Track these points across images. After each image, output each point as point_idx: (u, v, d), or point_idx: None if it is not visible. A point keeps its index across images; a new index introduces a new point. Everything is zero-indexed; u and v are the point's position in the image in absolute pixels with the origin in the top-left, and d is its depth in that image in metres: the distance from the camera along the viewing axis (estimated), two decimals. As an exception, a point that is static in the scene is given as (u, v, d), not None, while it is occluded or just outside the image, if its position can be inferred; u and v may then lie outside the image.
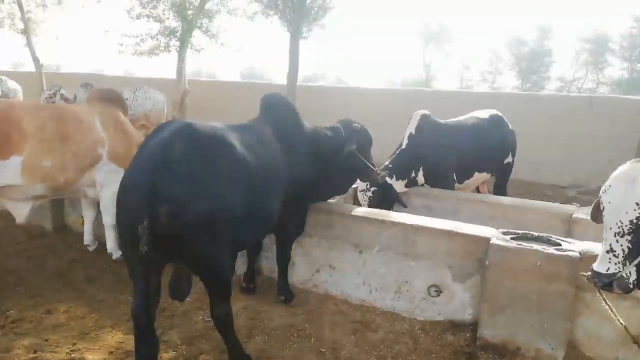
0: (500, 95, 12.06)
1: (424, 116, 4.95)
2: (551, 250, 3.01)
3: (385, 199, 4.60)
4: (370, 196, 4.62)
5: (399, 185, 4.94)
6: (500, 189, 5.49)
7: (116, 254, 4.54)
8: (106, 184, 4.37)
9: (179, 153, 2.47)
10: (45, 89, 13.15)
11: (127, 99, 7.81)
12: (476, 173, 5.22)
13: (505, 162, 5.40)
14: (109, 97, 4.57)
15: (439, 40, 50.06)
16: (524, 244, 3.11)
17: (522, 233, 3.36)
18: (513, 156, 5.45)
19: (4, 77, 11.07)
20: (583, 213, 4.06)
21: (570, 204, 5.40)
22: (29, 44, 13.32)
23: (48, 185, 4.02)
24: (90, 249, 4.74)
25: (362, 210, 3.74)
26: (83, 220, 4.88)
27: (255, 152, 2.96)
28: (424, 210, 4.63)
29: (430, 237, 3.43)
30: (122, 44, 10.97)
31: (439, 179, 4.95)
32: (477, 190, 5.60)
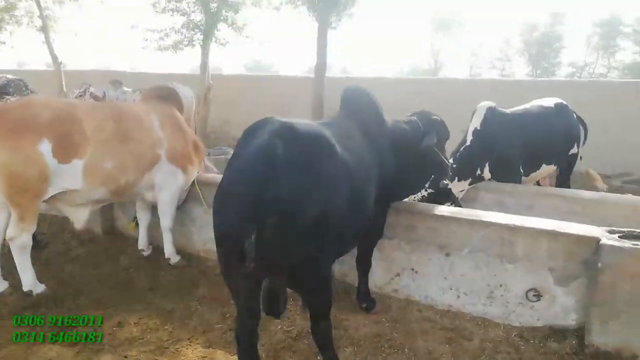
0: (536, 83, 11.69)
1: (490, 109, 4.69)
2: (673, 250, 2.77)
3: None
4: (424, 195, 4.34)
5: (460, 186, 4.68)
6: (563, 181, 5.24)
7: (174, 258, 4.35)
8: (164, 185, 4.17)
9: (283, 157, 2.21)
10: (64, 88, 12.97)
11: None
12: (544, 165, 4.97)
13: (570, 153, 5.15)
14: (165, 94, 4.37)
15: (449, 27, 49.23)
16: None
17: (627, 231, 3.12)
18: (578, 147, 5.20)
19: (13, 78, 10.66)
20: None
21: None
22: (47, 42, 13.12)
23: (109, 189, 3.83)
24: (145, 254, 4.55)
25: (448, 210, 3.51)
26: (136, 224, 4.69)
27: (352, 151, 2.73)
28: (495, 207, 4.39)
29: (529, 237, 3.19)
30: (147, 39, 10.74)
31: (507, 172, 4.71)
32: (537, 183, 5.35)
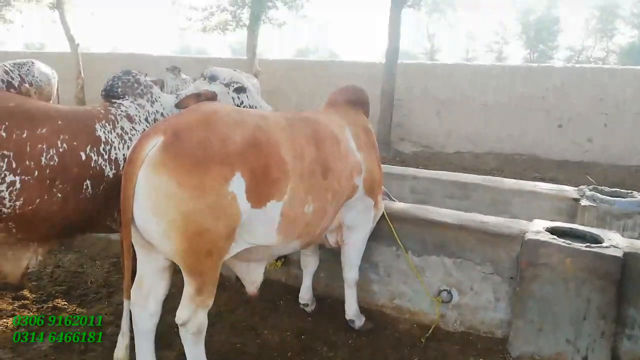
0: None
1: None
2: None
3: None
4: None
5: None
6: None
7: (359, 321, 3.23)
8: (357, 226, 3.04)
9: None
10: (82, 73, 11.43)
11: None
12: None
13: None
14: (355, 98, 3.19)
15: (442, 10, 47.79)
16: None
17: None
18: None
19: (28, 60, 7.81)
20: None
21: None
22: (63, 20, 11.55)
23: (302, 242, 2.70)
24: (309, 309, 3.42)
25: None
26: (281, 263, 3.60)
27: None
28: None
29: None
30: (190, 19, 9.35)
31: None
32: None
